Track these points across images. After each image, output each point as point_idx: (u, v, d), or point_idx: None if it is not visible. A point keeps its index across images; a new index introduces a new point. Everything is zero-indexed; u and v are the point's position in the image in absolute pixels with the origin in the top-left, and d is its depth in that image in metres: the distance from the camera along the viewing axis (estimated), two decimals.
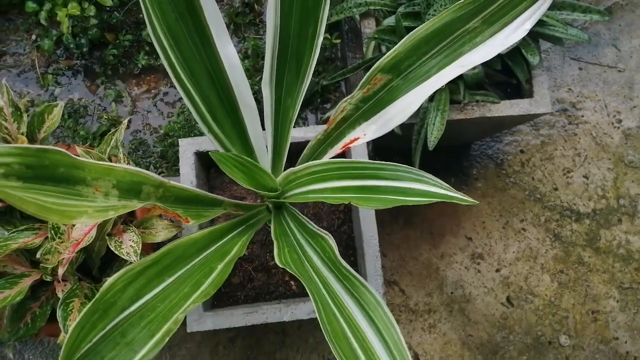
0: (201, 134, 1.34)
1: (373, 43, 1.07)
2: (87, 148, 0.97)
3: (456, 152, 1.47)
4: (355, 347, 0.58)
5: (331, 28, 1.48)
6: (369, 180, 0.65)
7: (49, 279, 0.87)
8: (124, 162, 0.95)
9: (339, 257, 0.65)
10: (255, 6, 1.51)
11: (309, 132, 1.00)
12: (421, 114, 1.03)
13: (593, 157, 1.48)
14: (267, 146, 0.82)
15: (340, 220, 1.10)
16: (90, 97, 1.46)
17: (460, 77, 1.02)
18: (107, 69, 1.47)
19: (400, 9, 1.01)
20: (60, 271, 0.82)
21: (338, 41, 1.44)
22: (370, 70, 0.69)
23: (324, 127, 0.77)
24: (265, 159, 0.82)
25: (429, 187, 0.60)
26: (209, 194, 0.75)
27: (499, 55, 1.03)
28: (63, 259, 0.82)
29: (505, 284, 1.39)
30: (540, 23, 1.01)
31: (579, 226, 1.44)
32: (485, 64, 1.00)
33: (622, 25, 1.58)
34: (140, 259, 0.84)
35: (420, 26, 0.65)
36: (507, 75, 1.09)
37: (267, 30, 0.70)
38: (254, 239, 1.07)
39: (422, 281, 1.39)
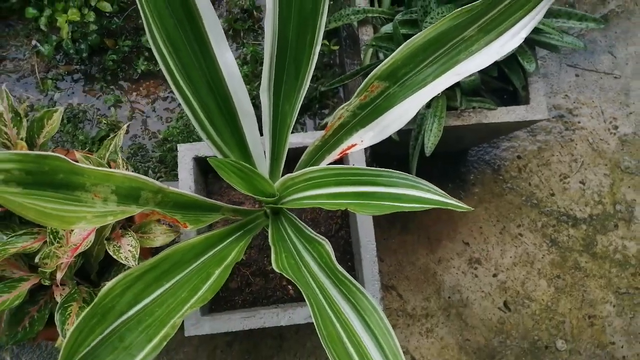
0: (200, 139, 1.35)
1: (371, 50, 1.08)
2: (86, 153, 0.98)
3: (453, 157, 1.48)
4: (351, 352, 0.59)
5: (329, 34, 1.50)
6: (366, 187, 0.65)
7: (47, 283, 0.87)
8: (123, 167, 0.96)
9: (336, 263, 0.66)
10: (254, 12, 1.52)
11: (307, 138, 1.01)
12: (418, 120, 1.04)
13: (589, 163, 1.49)
14: (265, 152, 0.82)
15: (337, 226, 1.11)
16: (89, 102, 1.47)
17: (457, 83, 1.03)
18: (107, 74, 1.48)
19: (398, 17, 1.02)
20: (59, 275, 0.82)
21: (336, 47, 1.45)
22: (368, 78, 0.69)
23: (322, 133, 0.78)
24: (263, 165, 0.82)
25: (424, 194, 0.61)
26: (207, 199, 0.75)
27: (496, 62, 1.04)
28: (61, 263, 0.82)
29: (502, 289, 1.40)
30: (536, 31, 1.02)
31: (575, 231, 1.45)
32: (482, 71, 1.00)
33: (618, 32, 1.59)
34: (138, 263, 0.84)
35: (417, 34, 0.66)
36: (503, 82, 1.10)
37: (266, 37, 0.71)
38: (251, 244, 1.07)
39: (419, 286, 1.40)
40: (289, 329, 1.33)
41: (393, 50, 0.68)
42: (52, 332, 0.92)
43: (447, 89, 0.67)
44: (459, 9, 0.62)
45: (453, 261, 1.41)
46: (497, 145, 1.49)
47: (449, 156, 1.47)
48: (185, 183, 1.01)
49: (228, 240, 0.77)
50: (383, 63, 0.68)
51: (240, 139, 0.78)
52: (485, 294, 1.39)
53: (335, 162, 0.77)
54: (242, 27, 1.51)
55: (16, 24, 1.51)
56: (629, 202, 1.47)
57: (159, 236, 0.94)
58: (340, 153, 0.76)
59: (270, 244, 0.73)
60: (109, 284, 0.58)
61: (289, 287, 1.06)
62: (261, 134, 0.80)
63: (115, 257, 0.86)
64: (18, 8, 1.44)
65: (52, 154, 0.51)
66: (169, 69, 0.67)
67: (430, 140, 0.98)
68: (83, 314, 0.55)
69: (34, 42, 1.48)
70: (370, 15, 1.08)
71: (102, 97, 1.47)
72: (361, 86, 0.71)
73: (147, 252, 1.11)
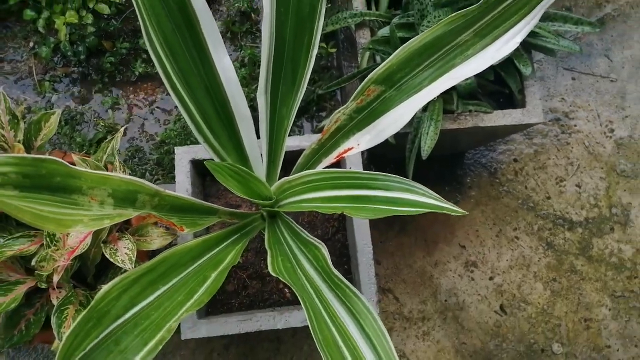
0: (197, 142, 1.35)
1: (368, 53, 1.09)
2: (84, 156, 0.98)
3: (450, 160, 1.48)
4: (346, 356, 0.59)
5: (327, 37, 1.50)
6: (362, 190, 0.66)
7: (43, 286, 0.87)
8: (120, 170, 0.96)
9: (332, 266, 0.66)
10: (252, 15, 1.52)
11: (304, 141, 1.01)
12: (415, 123, 1.04)
13: (586, 166, 1.50)
14: (262, 155, 0.82)
15: (334, 229, 1.11)
16: (87, 104, 1.47)
17: (454, 87, 1.04)
18: (104, 76, 1.48)
19: (395, 20, 1.02)
20: (55, 278, 0.82)
21: (334, 50, 1.45)
22: (364, 82, 0.70)
23: (319, 136, 0.78)
24: (260, 168, 0.83)
25: (419, 197, 0.61)
26: (204, 202, 0.76)
27: (492, 66, 1.04)
28: (58, 266, 0.82)
29: (498, 292, 1.40)
30: (532, 34, 1.02)
31: (571, 235, 1.45)
32: (478, 75, 1.01)
33: (614, 36, 1.60)
34: (135, 266, 0.84)
35: (413, 39, 0.66)
36: (500, 85, 1.11)
37: (263, 40, 0.71)
38: (248, 247, 1.07)
39: (416, 289, 1.40)
40: (286, 332, 1.33)
41: (390, 54, 0.69)
42: (49, 335, 0.92)
43: (443, 93, 0.67)
44: (455, 13, 0.63)
45: (449, 264, 1.42)
46: (494, 149, 1.50)
47: (445, 159, 1.47)
48: (183, 186, 1.01)
49: (225, 244, 0.77)
50: (379, 67, 0.68)
51: (237, 142, 0.78)
52: (481, 297, 1.40)
53: (332, 165, 0.78)
54: (240, 29, 1.51)
55: (14, 25, 1.51)
56: (625, 206, 1.47)
57: (155, 239, 0.94)
58: (337, 156, 0.76)
59: (267, 247, 0.73)
60: (105, 288, 0.58)
61: (286, 290, 1.06)
62: (258, 137, 0.80)
63: (112, 260, 0.86)
64: (16, 10, 1.44)
65: (50, 157, 0.52)
66: (167, 73, 0.67)
67: (427, 143, 0.99)
68: (79, 317, 0.55)
69: (31, 44, 1.48)
70: (367, 18, 1.09)
71: (100, 99, 1.47)
72: (357, 90, 0.71)
73: (144, 255, 1.11)
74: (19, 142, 0.95)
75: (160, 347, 0.57)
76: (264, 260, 1.06)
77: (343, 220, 1.12)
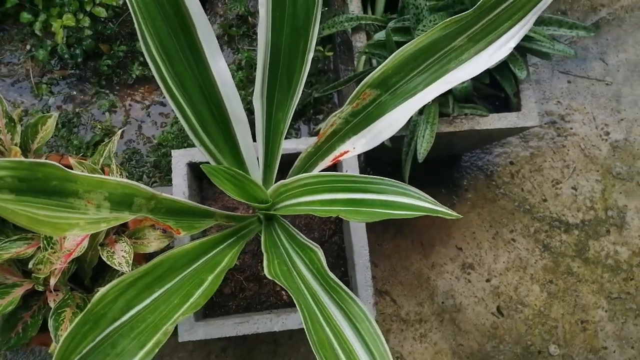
0: (194, 145, 1.35)
1: (364, 57, 1.09)
2: (81, 159, 0.98)
3: (447, 163, 1.49)
4: (341, 358, 0.59)
5: (324, 41, 1.50)
6: (357, 194, 0.66)
7: (40, 288, 0.87)
8: (117, 173, 0.96)
9: (327, 270, 0.66)
10: (249, 18, 1.53)
11: (301, 144, 1.02)
12: (411, 126, 1.04)
13: (581, 168, 1.50)
14: (258, 158, 0.83)
15: (331, 231, 1.11)
16: (84, 107, 1.47)
17: (450, 90, 1.04)
18: (101, 79, 1.48)
19: (391, 24, 1.03)
20: (52, 281, 0.82)
21: (330, 54, 1.46)
22: (359, 86, 0.70)
23: (315, 140, 0.78)
24: (256, 171, 0.83)
25: (414, 201, 0.61)
26: (201, 205, 0.76)
27: (488, 70, 1.05)
28: (55, 269, 0.82)
29: (495, 294, 1.41)
30: (527, 38, 1.03)
31: (568, 237, 1.46)
32: (474, 78, 1.01)
33: (609, 39, 1.61)
34: (132, 269, 0.84)
35: (408, 43, 0.67)
36: (495, 89, 1.11)
37: (259, 45, 0.72)
38: (245, 249, 1.08)
39: (413, 291, 1.40)
40: (283, 335, 1.33)
41: (386, 57, 0.69)
42: (46, 337, 0.92)
43: (439, 96, 0.68)
44: (449, 18, 0.63)
45: (446, 266, 1.42)
46: (490, 151, 1.51)
47: (442, 162, 1.48)
48: (179, 189, 1.01)
49: (221, 247, 0.77)
50: (374, 71, 0.69)
51: (233, 146, 0.79)
52: (478, 299, 1.40)
53: (328, 169, 0.78)
54: (237, 32, 1.52)
55: (11, 28, 1.51)
56: (621, 208, 1.48)
57: (152, 242, 0.95)
58: (333, 160, 0.77)
59: (263, 250, 0.73)
60: (101, 291, 0.59)
61: (283, 292, 1.07)
62: (254, 141, 0.81)
63: (108, 263, 0.86)
64: (13, 13, 1.45)
65: (46, 161, 0.52)
66: (162, 77, 0.68)
67: (423, 146, 0.99)
68: (75, 320, 0.56)
69: (28, 47, 1.48)
70: (363, 22, 1.09)
71: (97, 102, 1.47)
72: (353, 94, 0.71)
73: (141, 258, 1.11)
74: (15, 145, 0.95)
75: (157, 350, 0.58)
76: (261, 262, 1.07)
77: (340, 222, 1.12)
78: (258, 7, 1.55)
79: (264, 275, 1.06)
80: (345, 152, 0.75)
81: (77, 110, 1.47)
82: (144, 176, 1.43)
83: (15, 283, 0.87)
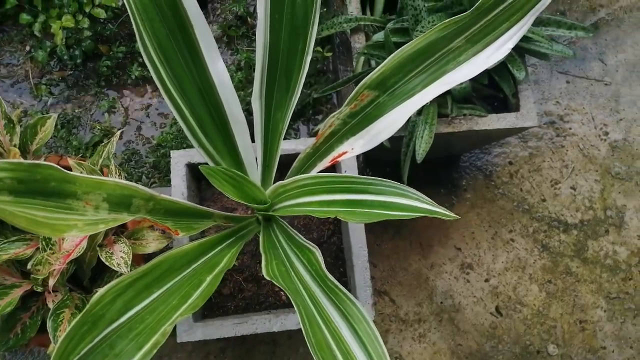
0: (193, 145, 1.35)
1: (363, 58, 1.09)
2: (80, 159, 0.98)
3: (446, 163, 1.49)
4: (339, 359, 0.59)
5: (323, 41, 1.51)
6: (355, 195, 0.66)
7: (39, 289, 0.88)
8: (116, 174, 0.96)
9: (325, 270, 0.67)
10: (249, 19, 1.53)
11: (299, 145, 1.02)
12: (410, 127, 1.05)
13: (580, 168, 1.51)
14: (257, 159, 0.83)
15: (330, 232, 1.11)
16: (83, 108, 1.47)
17: (448, 91, 1.04)
18: (101, 80, 1.48)
19: (389, 25, 1.03)
20: (51, 282, 0.83)
21: (330, 54, 1.46)
22: (357, 87, 0.70)
23: (313, 140, 0.78)
24: (255, 172, 0.83)
25: (412, 202, 0.62)
26: (199, 206, 0.76)
27: (486, 70, 1.05)
28: (54, 270, 0.82)
29: (494, 294, 1.41)
30: (525, 39, 1.03)
31: (566, 237, 1.46)
32: (473, 79, 1.01)
33: (608, 40, 1.61)
34: (130, 269, 0.84)
35: (406, 45, 0.67)
36: (494, 89, 1.12)
37: (257, 45, 0.72)
38: (244, 250, 1.08)
39: (412, 291, 1.40)
40: (282, 335, 1.33)
41: (384, 58, 0.69)
42: (45, 338, 0.92)
43: (438, 97, 0.68)
44: (447, 20, 0.63)
45: (445, 266, 1.42)
46: (489, 152, 1.51)
47: (441, 162, 1.48)
48: (178, 189, 1.01)
49: (220, 247, 0.77)
50: (372, 72, 0.69)
51: (232, 147, 0.79)
52: (477, 299, 1.40)
53: (327, 169, 0.78)
54: (236, 33, 1.52)
55: (10, 29, 1.51)
56: (620, 208, 1.48)
57: (151, 242, 0.95)
58: (332, 160, 0.77)
59: (261, 251, 0.73)
60: (99, 292, 0.59)
61: (281, 293, 1.07)
62: (253, 141, 0.81)
63: (107, 263, 0.86)
64: (12, 14, 1.45)
65: (45, 162, 0.52)
66: (161, 78, 0.68)
67: (422, 147, 0.99)
68: (73, 322, 0.56)
69: (27, 48, 1.48)
70: (362, 23, 1.09)
71: (96, 102, 1.48)
72: (351, 95, 0.71)
73: (139, 259, 1.11)
74: (14, 146, 0.95)
75: (155, 350, 0.58)
76: (260, 263, 1.07)
77: (339, 223, 1.13)
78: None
79: (263, 275, 1.06)
80: (344, 153, 0.75)
81: (76, 111, 1.47)
82: (143, 177, 1.43)
83: (14, 284, 0.87)
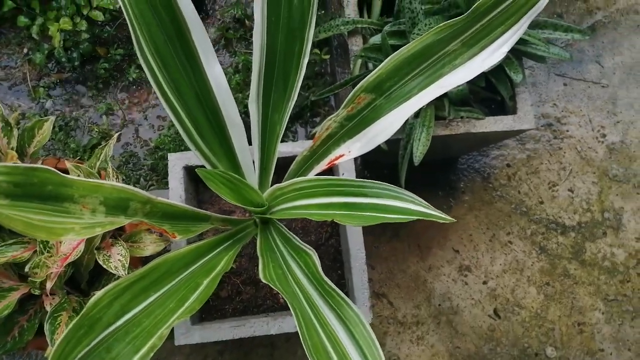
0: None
1: (360, 60, 1.10)
2: (77, 162, 0.98)
3: (444, 166, 1.49)
4: None
5: (321, 44, 1.51)
6: (352, 198, 0.66)
7: (37, 292, 0.88)
8: (113, 176, 0.96)
9: (322, 273, 0.67)
10: (246, 21, 1.53)
11: (297, 147, 1.02)
12: (407, 129, 1.05)
13: (578, 171, 1.51)
14: (254, 161, 0.83)
15: (328, 234, 1.11)
16: (81, 110, 1.48)
17: (445, 94, 1.05)
18: (99, 82, 1.48)
19: (386, 28, 1.03)
20: (49, 285, 0.83)
21: (327, 57, 1.46)
22: (354, 90, 0.71)
23: (310, 143, 0.78)
24: (252, 175, 0.83)
25: (408, 205, 0.62)
26: (197, 209, 0.76)
27: (483, 73, 1.05)
28: (51, 272, 0.82)
29: (492, 296, 1.41)
30: (522, 42, 1.03)
31: (564, 239, 1.46)
32: (470, 81, 1.02)
33: (605, 42, 1.61)
34: (128, 272, 0.84)
35: (402, 48, 0.67)
36: (491, 92, 1.12)
37: (254, 47, 0.72)
38: (242, 252, 1.08)
39: (410, 293, 1.41)
40: (280, 338, 1.33)
41: (381, 61, 0.70)
42: (42, 341, 0.92)
43: (435, 99, 0.68)
44: (443, 23, 0.64)
45: (443, 269, 1.42)
46: (487, 154, 1.51)
47: (438, 164, 1.48)
48: (176, 192, 1.01)
49: (217, 250, 0.77)
50: (369, 75, 0.69)
51: (228, 149, 0.79)
52: (475, 302, 1.40)
53: (324, 172, 0.78)
54: (234, 35, 1.52)
55: (8, 32, 1.51)
56: (617, 210, 1.48)
57: (149, 245, 0.95)
58: (329, 163, 0.77)
59: (259, 254, 0.74)
60: (96, 295, 0.59)
61: (279, 295, 1.07)
62: (250, 144, 0.81)
63: (105, 266, 0.86)
64: (10, 16, 1.45)
65: (42, 166, 0.52)
66: (158, 82, 0.68)
67: (419, 149, 0.99)
68: (70, 325, 0.56)
69: (25, 50, 1.48)
70: (359, 26, 1.10)
71: (94, 105, 1.48)
72: (348, 98, 0.72)
73: (137, 261, 1.11)
74: (12, 149, 0.95)
75: (152, 354, 0.58)
76: (258, 266, 1.07)
77: (337, 225, 1.13)
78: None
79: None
80: (341, 156, 0.75)
81: (74, 113, 1.47)
82: (141, 179, 1.43)
83: (11, 287, 0.87)
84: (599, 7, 1.64)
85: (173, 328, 0.80)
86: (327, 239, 1.11)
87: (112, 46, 1.48)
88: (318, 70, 1.52)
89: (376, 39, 1.04)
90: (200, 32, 0.67)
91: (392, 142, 1.07)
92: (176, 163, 1.02)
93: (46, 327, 0.83)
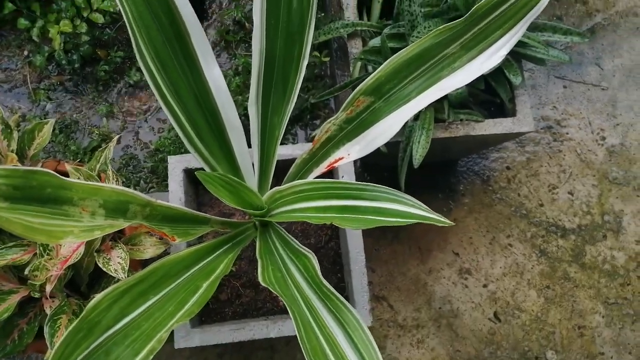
0: None
1: (360, 63, 1.10)
2: (77, 165, 0.98)
3: (443, 168, 1.49)
4: None
5: (320, 46, 1.51)
6: (351, 201, 0.66)
7: (37, 295, 0.87)
8: (113, 179, 0.96)
9: (321, 277, 0.67)
10: (246, 24, 1.54)
11: (296, 150, 1.02)
12: (406, 132, 1.05)
13: (578, 173, 1.51)
14: (253, 164, 0.83)
15: (327, 237, 1.11)
16: (81, 113, 1.48)
17: (445, 96, 1.04)
18: (99, 84, 1.49)
19: (386, 30, 1.03)
20: (48, 288, 0.82)
21: (327, 59, 1.46)
22: (353, 93, 0.71)
23: (310, 146, 0.79)
24: (251, 178, 0.83)
25: (407, 208, 0.62)
26: (196, 212, 0.76)
27: (483, 75, 1.05)
28: (51, 275, 0.82)
29: (492, 300, 1.41)
30: (521, 44, 1.04)
31: (564, 242, 1.46)
32: (469, 84, 1.02)
33: (605, 44, 1.61)
34: (128, 275, 0.84)
35: (401, 51, 0.67)
36: (491, 95, 1.12)
37: (254, 50, 0.72)
38: (242, 255, 1.08)
39: (410, 296, 1.40)
40: (280, 341, 1.33)
41: (381, 64, 0.70)
42: (42, 344, 0.92)
43: (435, 102, 0.68)
44: (442, 26, 0.64)
45: (443, 271, 1.42)
46: (486, 156, 1.51)
47: (438, 167, 1.48)
48: (176, 195, 1.01)
49: (216, 253, 0.77)
50: (368, 78, 0.69)
51: (228, 152, 0.79)
52: (475, 305, 1.40)
53: (324, 175, 0.78)
54: (234, 38, 1.53)
55: (8, 34, 1.52)
56: (617, 213, 1.48)
57: (148, 248, 0.95)
58: (328, 166, 0.77)
59: (258, 257, 0.73)
60: (95, 298, 0.59)
61: (279, 298, 1.07)
62: (250, 147, 0.81)
63: (104, 269, 0.86)
64: (10, 19, 1.45)
65: (41, 169, 0.52)
66: (157, 85, 0.68)
67: (419, 152, 0.99)
68: (69, 328, 0.56)
69: (26, 53, 1.49)
70: (359, 28, 1.10)
71: (94, 107, 1.48)
72: (347, 101, 0.72)
73: (137, 264, 1.11)
74: (12, 151, 0.95)
75: (151, 357, 0.58)
76: (257, 268, 1.07)
77: (336, 228, 1.13)
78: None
79: None
80: (340, 159, 0.75)
81: (74, 115, 1.47)
82: (141, 182, 1.43)
83: (11, 290, 0.87)
84: (598, 9, 1.64)
85: (172, 331, 0.80)
86: (326, 242, 1.11)
87: (112, 48, 1.48)
88: (318, 73, 1.52)
89: (375, 42, 1.04)
90: (199, 35, 0.67)
91: (392, 145, 1.07)
92: (176, 166, 1.02)
93: (46, 330, 0.83)
